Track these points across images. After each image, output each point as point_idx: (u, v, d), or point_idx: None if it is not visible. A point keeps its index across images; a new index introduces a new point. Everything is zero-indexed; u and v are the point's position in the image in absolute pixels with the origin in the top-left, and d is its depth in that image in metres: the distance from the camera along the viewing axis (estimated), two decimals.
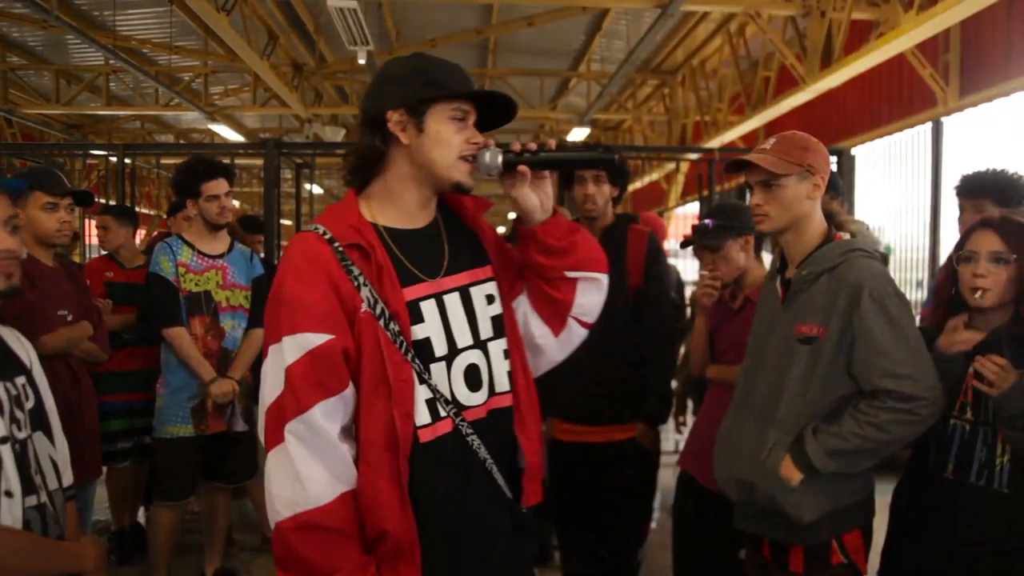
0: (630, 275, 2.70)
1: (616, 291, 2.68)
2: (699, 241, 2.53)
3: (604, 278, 1.56)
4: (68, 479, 1.58)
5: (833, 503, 1.79)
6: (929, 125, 6.25)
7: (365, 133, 1.39)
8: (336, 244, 1.32)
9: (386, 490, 1.28)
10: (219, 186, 3.05)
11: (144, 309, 3.08)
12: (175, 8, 7.32)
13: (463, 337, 1.40)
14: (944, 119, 6.13)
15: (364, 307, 1.31)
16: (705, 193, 5.97)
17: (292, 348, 1.28)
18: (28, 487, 1.42)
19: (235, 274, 3.15)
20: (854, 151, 6.77)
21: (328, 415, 1.28)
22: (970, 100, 5.82)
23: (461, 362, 1.40)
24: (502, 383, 1.45)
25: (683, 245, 2.74)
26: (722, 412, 2.07)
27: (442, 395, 1.35)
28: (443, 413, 1.35)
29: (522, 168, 1.41)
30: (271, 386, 1.30)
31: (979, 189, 2.60)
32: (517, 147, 1.40)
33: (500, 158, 1.37)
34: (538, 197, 1.45)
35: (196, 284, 3.05)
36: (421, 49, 8.47)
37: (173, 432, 3.01)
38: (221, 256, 3.14)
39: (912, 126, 6.48)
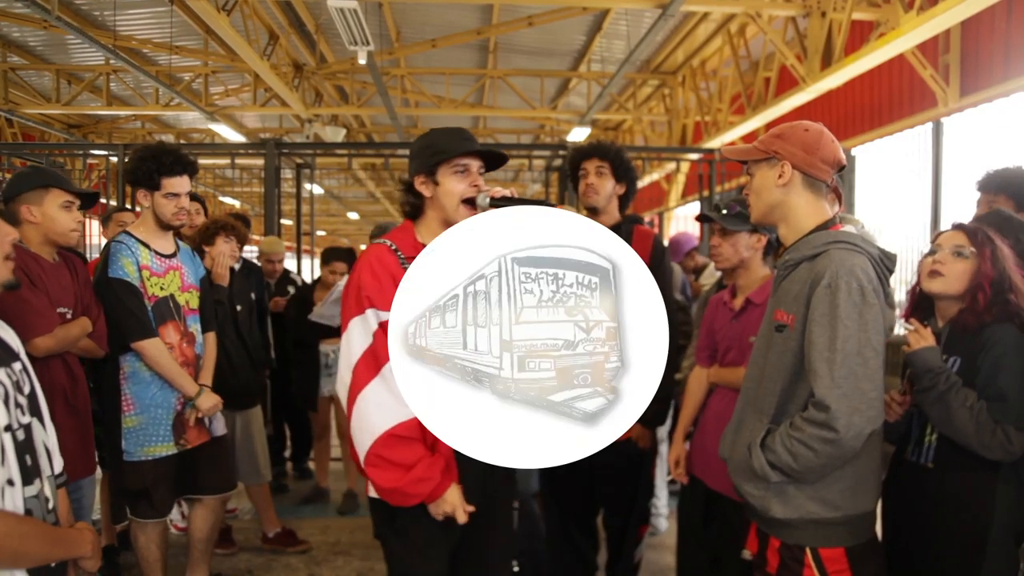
0: None
1: None
2: (716, 218, 2.50)
3: None
4: (59, 466, 1.59)
5: (807, 511, 1.67)
6: (929, 125, 6.25)
7: (406, 191, 1.99)
8: (399, 254, 1.90)
9: None
10: (181, 184, 2.76)
11: (111, 320, 2.67)
12: (175, 8, 7.32)
13: None
14: (944, 119, 6.13)
15: None
16: (705, 193, 5.98)
17: (373, 319, 1.83)
18: (28, 476, 1.43)
19: (188, 274, 2.90)
20: (854, 151, 6.80)
21: None
22: (970, 100, 5.82)
23: None
24: None
25: (699, 218, 2.80)
26: (723, 414, 2.06)
27: None
28: None
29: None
30: (358, 345, 1.83)
31: (997, 185, 2.61)
32: (497, 194, 1.89)
33: (488, 200, 1.88)
34: None
35: (161, 288, 2.76)
36: (421, 49, 8.50)
37: (154, 453, 2.72)
38: (174, 255, 2.86)
39: (912, 126, 6.49)
